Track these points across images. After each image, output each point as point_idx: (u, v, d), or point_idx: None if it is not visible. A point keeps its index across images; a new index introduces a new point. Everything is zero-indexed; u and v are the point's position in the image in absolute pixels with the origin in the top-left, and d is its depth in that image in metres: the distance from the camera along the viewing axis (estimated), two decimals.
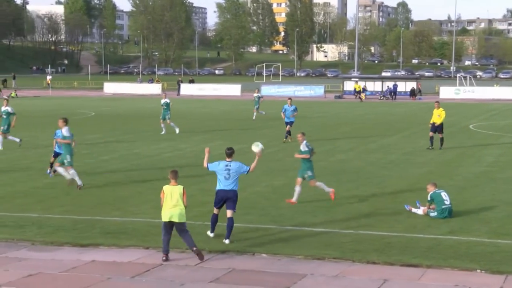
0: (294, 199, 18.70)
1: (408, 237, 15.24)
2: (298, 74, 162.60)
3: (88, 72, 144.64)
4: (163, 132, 37.05)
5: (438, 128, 31.12)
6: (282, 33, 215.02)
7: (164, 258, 13.41)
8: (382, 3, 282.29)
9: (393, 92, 77.06)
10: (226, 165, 14.57)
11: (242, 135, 37.25)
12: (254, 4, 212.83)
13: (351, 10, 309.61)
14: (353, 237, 15.23)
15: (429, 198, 17.44)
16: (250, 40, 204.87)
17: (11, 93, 77.69)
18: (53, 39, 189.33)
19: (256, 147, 15.46)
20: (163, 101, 37.80)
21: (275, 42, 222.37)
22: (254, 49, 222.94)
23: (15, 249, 14.36)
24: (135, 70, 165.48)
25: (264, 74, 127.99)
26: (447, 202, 17.21)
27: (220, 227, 14.99)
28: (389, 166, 25.45)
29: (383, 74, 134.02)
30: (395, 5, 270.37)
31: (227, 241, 14.50)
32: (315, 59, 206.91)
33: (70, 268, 12.96)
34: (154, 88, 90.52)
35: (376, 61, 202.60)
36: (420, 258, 13.47)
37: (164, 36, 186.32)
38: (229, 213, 14.57)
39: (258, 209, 17.97)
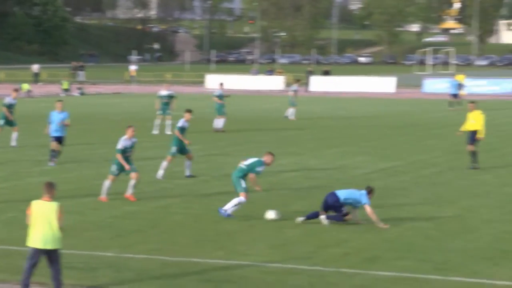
0: None
1: None
2: (477, 63, 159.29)
3: (185, 60, 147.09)
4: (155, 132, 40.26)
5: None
6: (457, 5, 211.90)
7: None
8: None
9: None
10: None
11: (398, 147, 37.01)
12: None
13: None
14: None
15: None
16: (410, 15, 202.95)
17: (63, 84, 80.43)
18: (141, 16, 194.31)
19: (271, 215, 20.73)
20: (165, 92, 40.66)
21: (445, 17, 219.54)
22: (415, 27, 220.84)
23: None
24: (249, 58, 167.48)
25: (429, 63, 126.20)
26: None
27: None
28: None
29: None
30: None
31: None
32: (502, 42, 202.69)
33: None
34: (275, 83, 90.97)
35: None
36: None
37: (290, 11, 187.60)
38: None
39: (416, 252, 17.92)
